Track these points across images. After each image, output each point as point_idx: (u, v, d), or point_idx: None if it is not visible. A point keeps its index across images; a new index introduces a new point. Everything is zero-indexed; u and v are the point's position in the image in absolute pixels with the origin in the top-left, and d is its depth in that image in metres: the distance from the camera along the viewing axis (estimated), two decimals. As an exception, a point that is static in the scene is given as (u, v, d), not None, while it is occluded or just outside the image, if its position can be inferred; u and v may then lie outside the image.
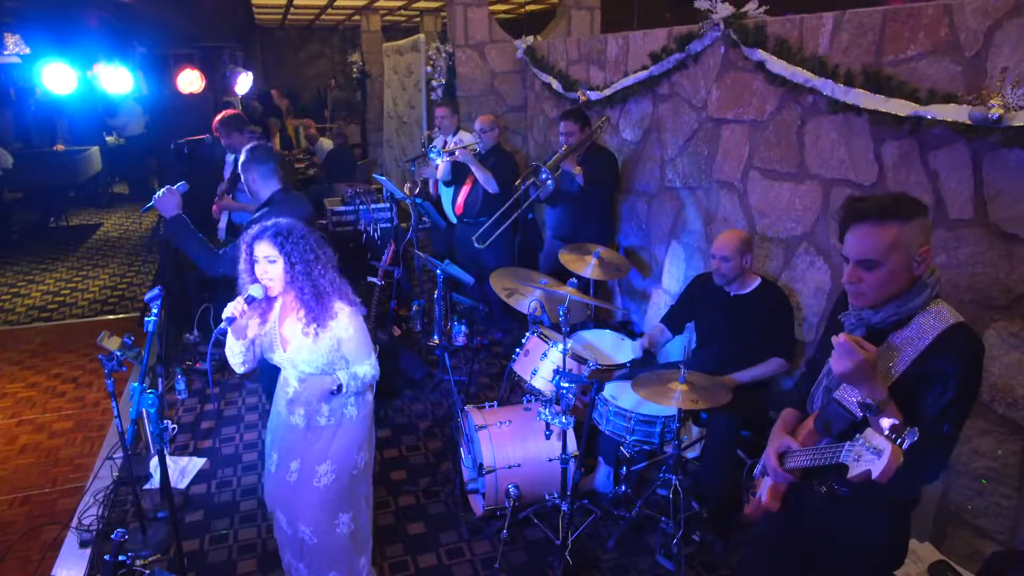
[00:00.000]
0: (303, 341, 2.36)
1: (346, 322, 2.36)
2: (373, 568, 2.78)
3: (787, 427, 2.02)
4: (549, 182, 4.36)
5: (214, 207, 4.82)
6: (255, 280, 2.35)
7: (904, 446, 1.51)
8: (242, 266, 2.39)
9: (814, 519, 1.93)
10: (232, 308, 2.27)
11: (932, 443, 1.64)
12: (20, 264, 7.63)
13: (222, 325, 2.28)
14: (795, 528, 2.00)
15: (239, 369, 2.46)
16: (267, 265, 2.30)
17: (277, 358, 2.45)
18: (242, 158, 3.22)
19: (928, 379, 1.68)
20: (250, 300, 2.30)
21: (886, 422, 1.57)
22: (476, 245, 4.79)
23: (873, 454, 1.55)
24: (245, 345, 2.41)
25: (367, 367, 2.44)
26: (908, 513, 1.91)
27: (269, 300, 2.41)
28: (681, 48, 4.05)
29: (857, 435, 1.60)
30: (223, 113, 4.75)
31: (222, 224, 4.94)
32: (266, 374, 3.12)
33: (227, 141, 4.73)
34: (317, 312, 2.32)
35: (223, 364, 4.69)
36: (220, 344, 2.44)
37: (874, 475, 1.53)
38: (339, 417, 2.48)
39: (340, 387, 2.36)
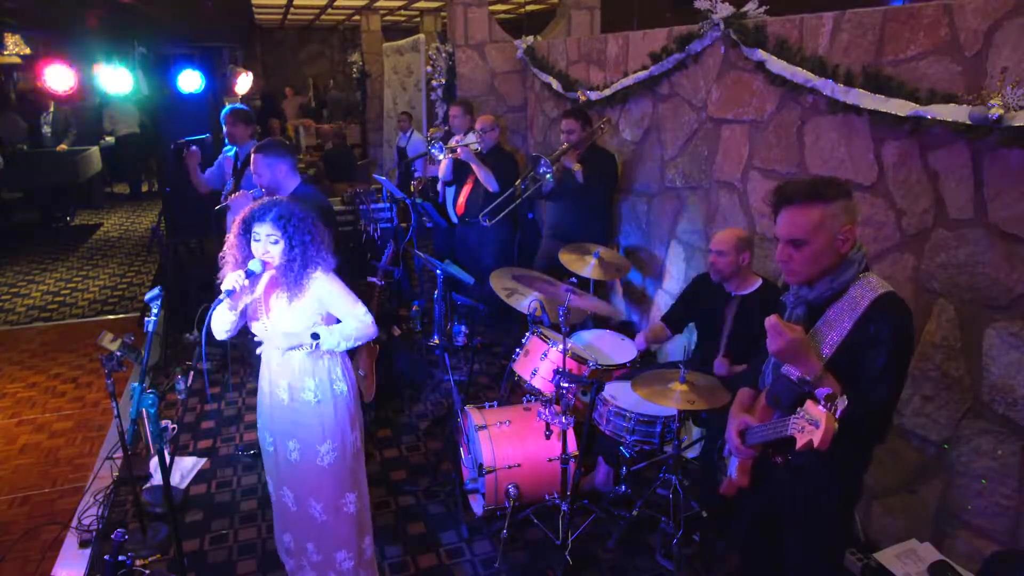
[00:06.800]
0: (285, 310, 2.44)
1: (323, 280, 2.44)
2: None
3: (743, 406, 2.14)
4: (548, 176, 4.35)
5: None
6: (246, 255, 2.41)
7: (837, 414, 1.64)
8: (232, 241, 2.43)
9: (775, 490, 2.06)
10: (232, 281, 2.32)
11: (872, 406, 1.79)
12: (20, 264, 7.62)
13: (220, 297, 2.33)
14: (764, 500, 2.13)
15: (221, 336, 2.50)
16: (269, 244, 2.37)
17: (259, 326, 2.51)
18: (264, 152, 3.40)
19: (863, 346, 1.82)
20: (250, 274, 2.35)
21: (822, 392, 1.69)
22: (483, 222, 4.78)
23: (812, 424, 1.66)
24: (236, 315, 2.47)
25: (356, 322, 2.48)
26: (860, 477, 2.04)
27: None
28: (681, 48, 4.05)
29: (799, 408, 1.73)
30: (234, 105, 4.77)
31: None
32: None
33: (231, 130, 4.70)
34: (297, 279, 2.39)
35: (223, 363, 4.78)
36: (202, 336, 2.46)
37: (815, 444, 1.64)
38: (328, 394, 2.53)
39: (316, 337, 2.40)
